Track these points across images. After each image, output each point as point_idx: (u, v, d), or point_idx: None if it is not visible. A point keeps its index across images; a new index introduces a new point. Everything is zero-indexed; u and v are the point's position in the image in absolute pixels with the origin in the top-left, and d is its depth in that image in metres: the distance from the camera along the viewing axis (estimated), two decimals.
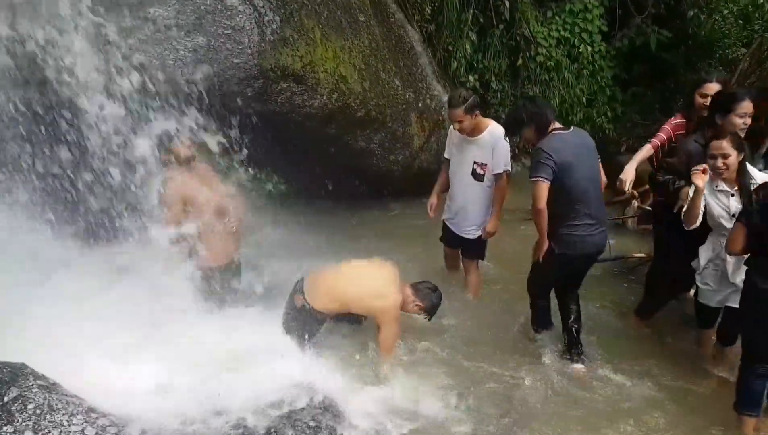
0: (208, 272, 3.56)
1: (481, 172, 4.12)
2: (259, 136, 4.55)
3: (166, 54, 3.99)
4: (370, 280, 3.59)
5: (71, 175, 3.76)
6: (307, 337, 3.51)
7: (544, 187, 3.43)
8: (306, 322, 3.54)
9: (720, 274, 3.47)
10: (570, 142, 3.54)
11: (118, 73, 3.58)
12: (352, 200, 5.88)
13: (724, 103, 3.56)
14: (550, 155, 3.42)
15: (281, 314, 3.66)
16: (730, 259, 3.35)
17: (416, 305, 3.64)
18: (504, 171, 4.11)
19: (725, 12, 7.56)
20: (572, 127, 3.71)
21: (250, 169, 3.96)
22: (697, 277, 3.59)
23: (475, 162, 4.12)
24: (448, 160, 4.39)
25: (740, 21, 7.60)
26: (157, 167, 3.49)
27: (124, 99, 3.61)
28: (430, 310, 3.69)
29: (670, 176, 3.67)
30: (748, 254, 3.09)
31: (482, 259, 4.52)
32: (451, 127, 4.29)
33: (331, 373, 3.31)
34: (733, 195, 3.35)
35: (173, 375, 3.05)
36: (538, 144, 3.53)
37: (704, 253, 3.52)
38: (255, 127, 4.44)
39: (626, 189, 3.99)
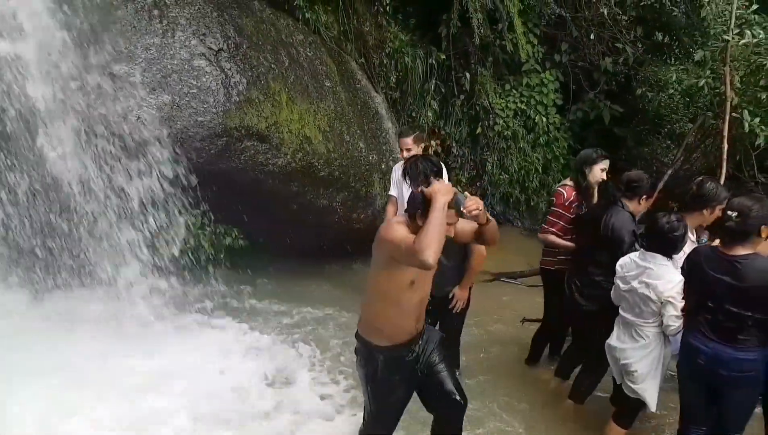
0: None
1: None
2: (219, 191, 4.61)
3: (129, 110, 4.08)
4: None
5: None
6: None
7: None
8: None
9: None
10: None
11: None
12: (315, 255, 5.91)
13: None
14: None
15: None
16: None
17: None
18: None
19: (671, 91, 8.01)
20: None
21: (207, 223, 3.99)
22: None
23: None
24: (394, 197, 4.82)
25: (686, 99, 8.04)
26: None
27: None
28: None
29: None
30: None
31: None
32: (395, 166, 4.84)
33: None
34: None
35: None
36: None
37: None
38: (215, 183, 4.51)
39: None
